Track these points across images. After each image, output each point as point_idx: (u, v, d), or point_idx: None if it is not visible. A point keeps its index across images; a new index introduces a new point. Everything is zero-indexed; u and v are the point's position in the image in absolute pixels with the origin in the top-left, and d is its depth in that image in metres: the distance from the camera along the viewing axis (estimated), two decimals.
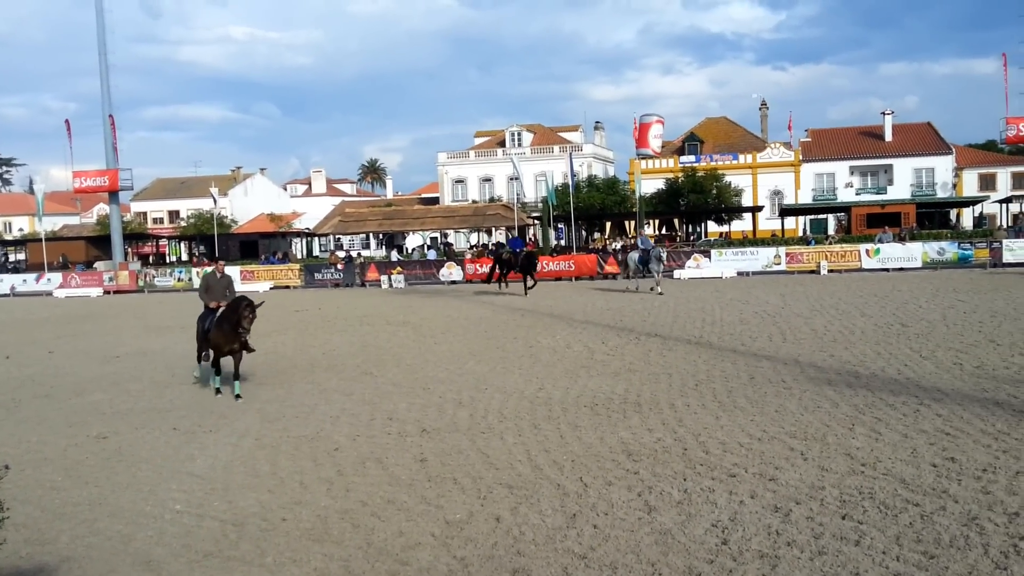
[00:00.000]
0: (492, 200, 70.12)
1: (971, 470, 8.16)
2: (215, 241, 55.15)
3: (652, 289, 29.58)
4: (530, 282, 31.97)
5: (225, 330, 13.53)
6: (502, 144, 78.51)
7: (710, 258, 39.17)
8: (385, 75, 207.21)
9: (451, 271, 41.96)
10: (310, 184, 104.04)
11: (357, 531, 7.52)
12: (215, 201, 55.92)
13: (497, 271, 33.18)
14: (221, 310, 13.89)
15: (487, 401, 12.55)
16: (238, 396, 13.53)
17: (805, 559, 6.33)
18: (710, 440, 9.77)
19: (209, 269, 16.22)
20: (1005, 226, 52.25)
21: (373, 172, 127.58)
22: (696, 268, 38.44)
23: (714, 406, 11.54)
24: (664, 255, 31.44)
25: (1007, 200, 58.78)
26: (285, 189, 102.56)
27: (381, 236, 63.99)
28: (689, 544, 6.76)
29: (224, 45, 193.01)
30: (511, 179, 49.80)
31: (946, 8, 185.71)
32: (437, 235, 63.33)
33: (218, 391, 14.06)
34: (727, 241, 47.78)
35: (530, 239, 48.54)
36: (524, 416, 11.48)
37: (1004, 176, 68.75)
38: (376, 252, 64.54)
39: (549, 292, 33.01)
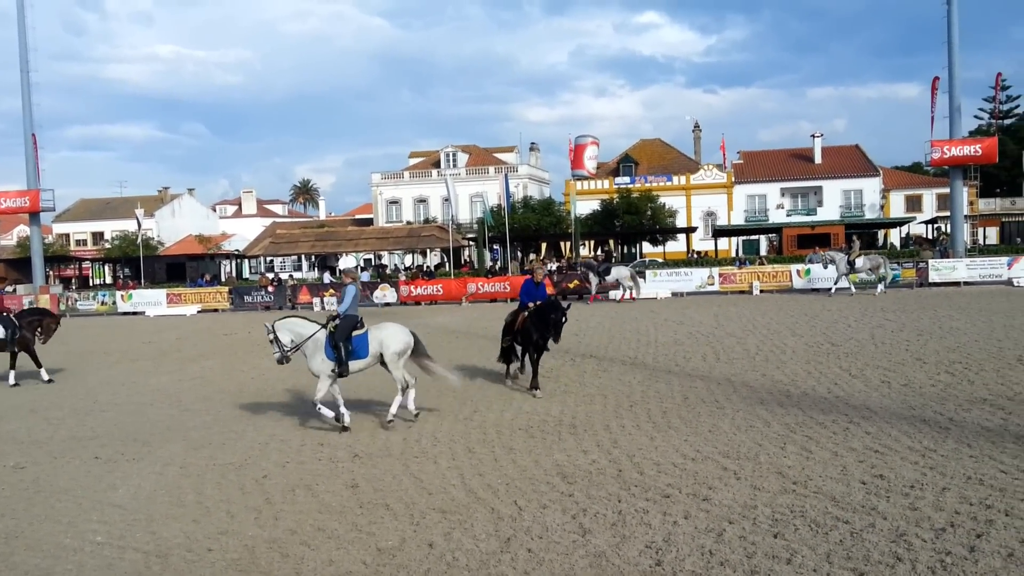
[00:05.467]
0: (427, 221, 69.90)
1: (899, 487, 8.26)
2: (140, 263, 53.91)
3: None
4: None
5: None
6: (437, 165, 78.40)
7: (645, 279, 39.46)
8: (317, 95, 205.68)
9: (385, 293, 41.60)
10: (240, 205, 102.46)
11: (286, 561, 7.31)
12: (139, 223, 54.64)
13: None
14: None
15: (421, 425, 12.39)
16: None
17: None
18: (644, 461, 9.76)
19: None
20: (930, 236, 53.86)
21: (305, 193, 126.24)
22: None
23: (648, 427, 11.55)
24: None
25: (933, 221, 60.58)
26: (214, 210, 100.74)
27: (313, 258, 63.26)
28: (623, 566, 6.70)
29: (150, 63, 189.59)
30: (446, 200, 49.80)
31: (870, 35, 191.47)
32: (371, 257, 62.88)
33: None
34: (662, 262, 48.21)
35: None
36: (458, 440, 11.35)
37: (930, 197, 70.82)
38: (308, 274, 63.75)
39: (484, 313, 32.90)
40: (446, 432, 11.80)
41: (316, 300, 41.40)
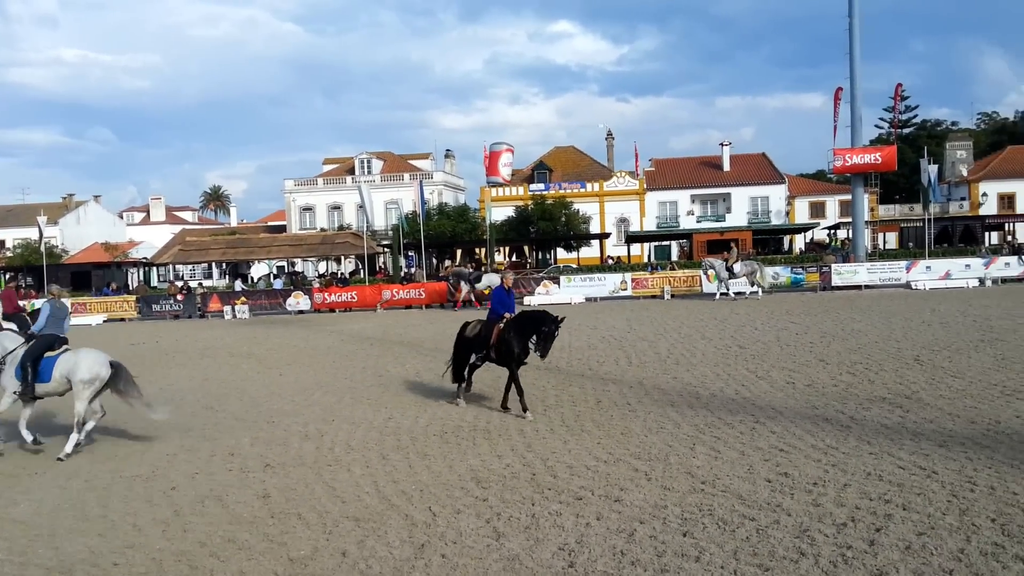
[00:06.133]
0: (341, 228, 69.26)
1: (803, 484, 8.53)
2: (44, 272, 52.08)
3: None
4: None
5: None
6: (351, 171, 77.76)
7: (559, 284, 39.83)
8: (228, 100, 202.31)
9: (299, 301, 41.06)
10: (148, 212, 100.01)
11: (195, 573, 7.17)
12: (41, 231, 52.72)
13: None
14: None
15: (334, 433, 12.28)
16: None
17: None
18: (558, 464, 9.86)
19: None
20: (827, 241, 55.67)
21: (216, 200, 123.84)
22: (546, 294, 38.98)
23: (562, 430, 11.66)
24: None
25: (835, 227, 62.55)
26: (121, 217, 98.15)
27: (225, 265, 62.08)
28: (536, 569, 6.76)
29: (55, 67, 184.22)
30: (360, 207, 49.42)
31: (776, 46, 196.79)
32: (284, 264, 62.00)
33: None
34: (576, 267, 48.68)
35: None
36: (372, 447, 11.29)
37: (833, 204, 73.29)
38: (219, 282, 62.47)
39: (399, 320, 32.77)
40: (360, 440, 11.72)
41: (227, 308, 40.61)
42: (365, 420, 13.06)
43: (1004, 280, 36.92)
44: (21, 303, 24.52)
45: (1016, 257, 39.02)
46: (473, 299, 37.23)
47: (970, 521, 7.24)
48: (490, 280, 36.98)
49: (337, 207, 76.70)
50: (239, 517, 8.59)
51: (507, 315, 13.46)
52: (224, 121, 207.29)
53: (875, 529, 7.18)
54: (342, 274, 53.27)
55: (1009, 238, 55.41)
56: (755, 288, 35.12)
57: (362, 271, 49.89)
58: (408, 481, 9.51)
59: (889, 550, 6.72)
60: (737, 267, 34.91)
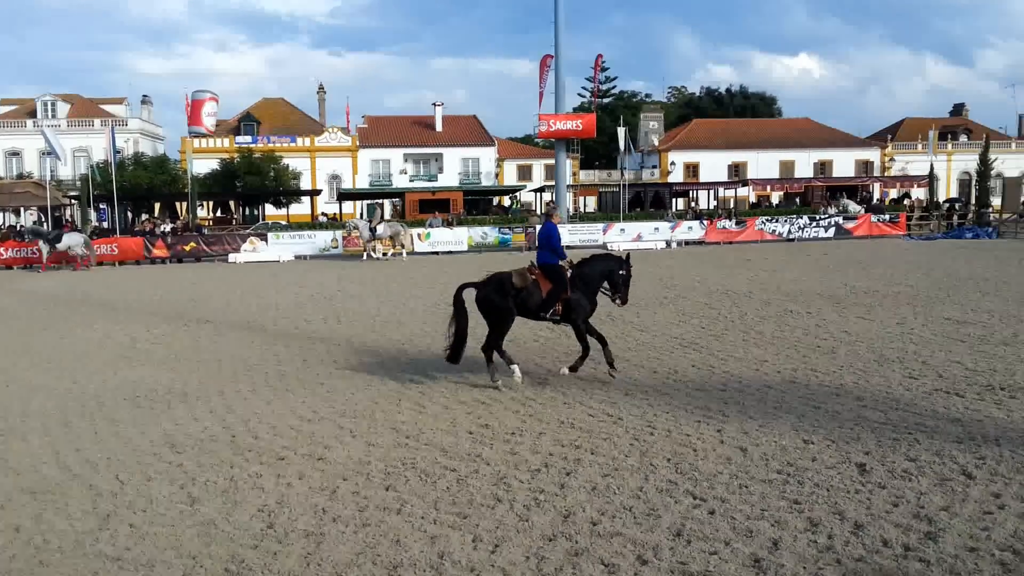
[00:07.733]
0: (21, 177, 62.95)
1: (502, 434, 8.86)
2: None
3: None
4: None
5: None
6: (32, 115, 70.61)
7: (267, 241, 38.68)
8: None
9: None
10: None
11: None
12: None
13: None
14: None
15: (8, 400, 11.16)
16: None
17: (349, 533, 6.42)
18: (260, 425, 9.57)
19: None
20: (516, 203, 58.32)
21: None
22: (252, 252, 37.74)
23: (266, 391, 11.34)
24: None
25: (540, 189, 65.51)
26: None
27: None
28: (233, 532, 6.53)
29: None
30: (45, 154, 45.06)
31: (486, 11, 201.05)
32: None
33: None
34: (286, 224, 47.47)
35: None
36: (52, 414, 10.38)
37: (539, 168, 76.65)
38: None
39: (88, 277, 30.39)
40: (38, 407, 10.73)
41: None
42: (45, 386, 11.97)
43: (687, 242, 40.46)
44: None
45: (698, 221, 42.83)
46: (45, 259, 34.91)
47: (649, 462, 7.85)
48: (71, 240, 35.10)
49: (15, 153, 69.50)
50: None
51: (564, 262, 11.40)
52: None
53: (565, 473, 7.60)
54: (22, 227, 48.47)
55: (693, 204, 60.65)
56: (400, 249, 36.33)
57: (46, 224, 45.65)
58: (94, 449, 8.83)
59: (577, 492, 7.13)
60: (380, 228, 35.96)
